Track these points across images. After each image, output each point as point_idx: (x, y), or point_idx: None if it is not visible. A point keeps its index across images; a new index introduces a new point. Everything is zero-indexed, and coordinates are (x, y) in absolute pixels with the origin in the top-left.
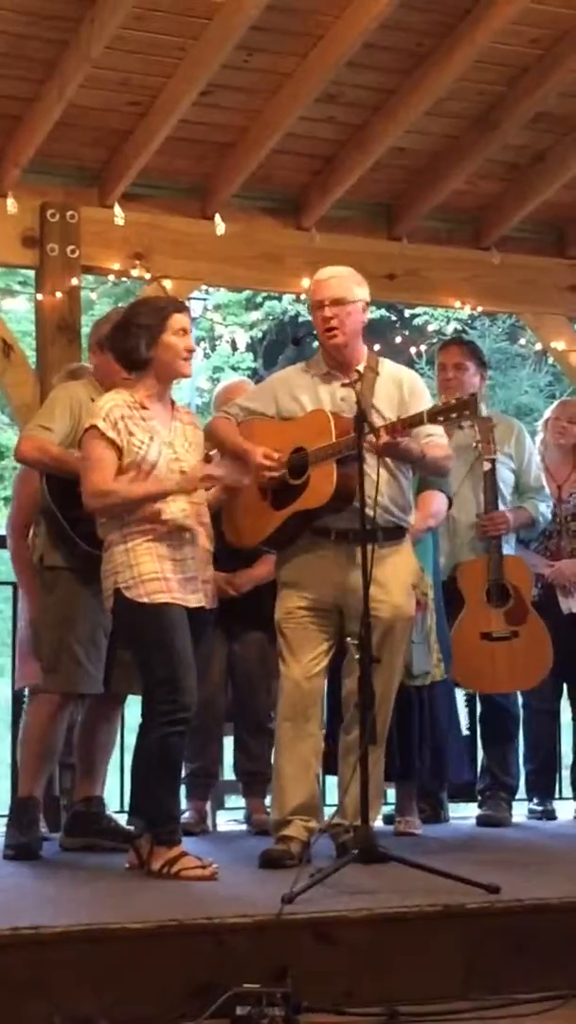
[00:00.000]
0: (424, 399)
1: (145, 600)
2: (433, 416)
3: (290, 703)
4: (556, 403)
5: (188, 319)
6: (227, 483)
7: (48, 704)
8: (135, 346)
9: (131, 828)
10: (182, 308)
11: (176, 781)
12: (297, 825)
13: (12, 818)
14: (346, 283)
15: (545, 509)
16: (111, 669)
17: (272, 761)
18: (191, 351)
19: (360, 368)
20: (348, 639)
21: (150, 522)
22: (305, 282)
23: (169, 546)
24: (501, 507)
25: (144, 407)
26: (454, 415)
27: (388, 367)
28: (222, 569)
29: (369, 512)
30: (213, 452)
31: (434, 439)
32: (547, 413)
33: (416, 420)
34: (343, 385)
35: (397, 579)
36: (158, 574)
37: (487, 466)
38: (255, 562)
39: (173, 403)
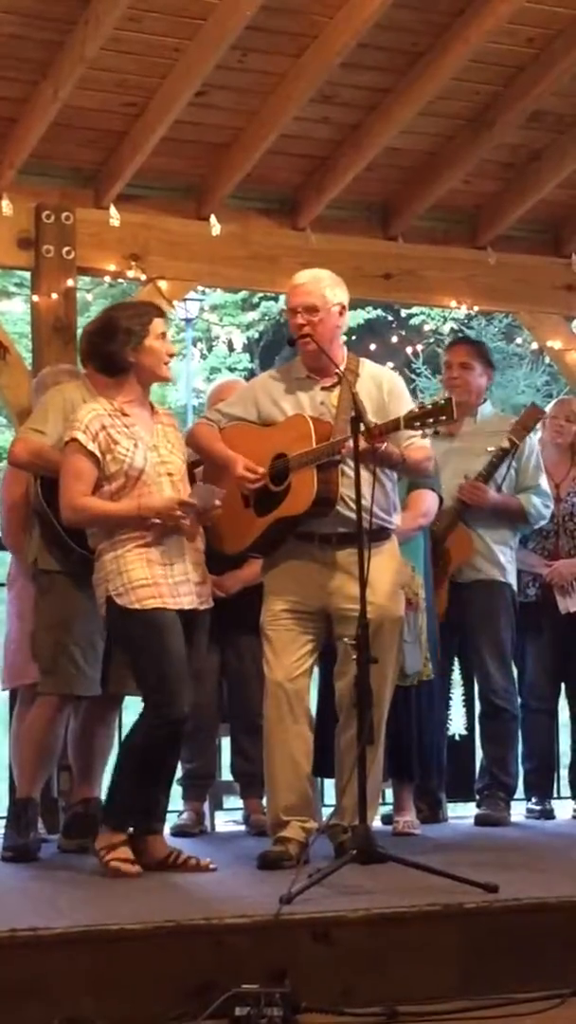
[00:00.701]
0: (403, 400)
1: (136, 606)
2: (409, 421)
3: (275, 705)
4: (554, 402)
5: (167, 324)
6: (199, 510)
7: (46, 706)
8: (118, 350)
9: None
10: (162, 313)
11: (151, 780)
12: (294, 826)
13: (10, 820)
14: (319, 288)
15: (541, 506)
16: (108, 670)
17: (264, 763)
18: (172, 355)
19: (340, 370)
20: (345, 640)
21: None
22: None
23: (159, 551)
24: (491, 491)
25: (125, 414)
26: (431, 420)
27: (368, 368)
28: (210, 571)
29: (354, 515)
30: (198, 470)
31: (415, 442)
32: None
33: (392, 426)
34: (323, 389)
35: (383, 580)
36: (148, 580)
37: (505, 444)
38: (243, 564)
39: (152, 406)
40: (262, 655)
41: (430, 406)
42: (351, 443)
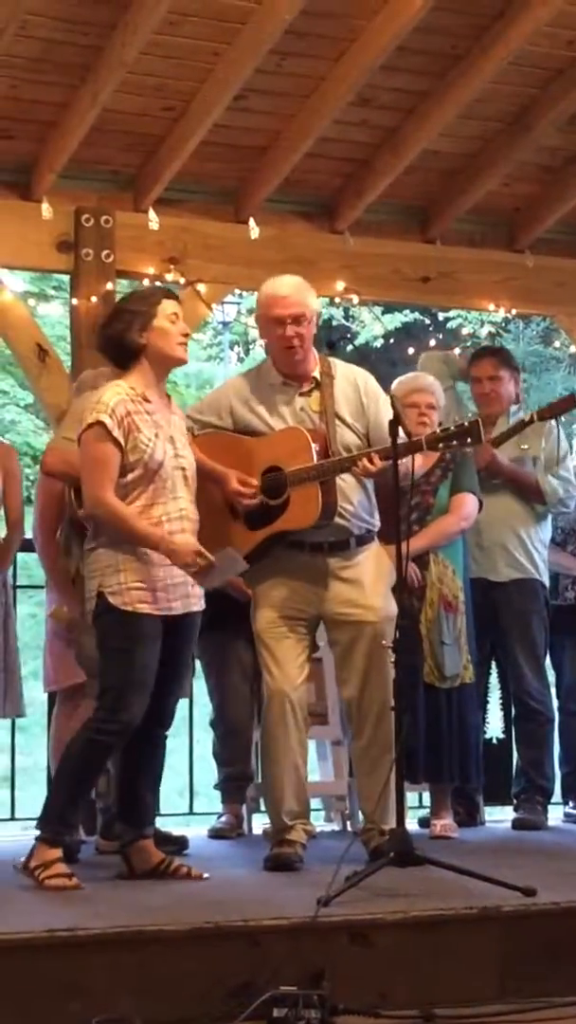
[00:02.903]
0: (380, 399)
1: (128, 609)
2: (432, 443)
3: (280, 714)
4: None
5: (178, 306)
6: (214, 573)
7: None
8: (126, 331)
9: (170, 833)
10: (172, 295)
11: (86, 789)
12: (298, 830)
13: None
14: (304, 297)
15: (559, 487)
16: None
17: (261, 768)
18: (187, 335)
19: (317, 375)
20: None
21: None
22: (340, 285)
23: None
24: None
25: (147, 400)
26: (454, 442)
27: (341, 369)
28: None
29: (345, 522)
30: None
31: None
32: None
33: (415, 447)
34: (301, 395)
35: (378, 582)
36: (143, 584)
37: (527, 417)
38: None
39: (169, 397)
40: (261, 663)
41: (454, 428)
42: (364, 462)
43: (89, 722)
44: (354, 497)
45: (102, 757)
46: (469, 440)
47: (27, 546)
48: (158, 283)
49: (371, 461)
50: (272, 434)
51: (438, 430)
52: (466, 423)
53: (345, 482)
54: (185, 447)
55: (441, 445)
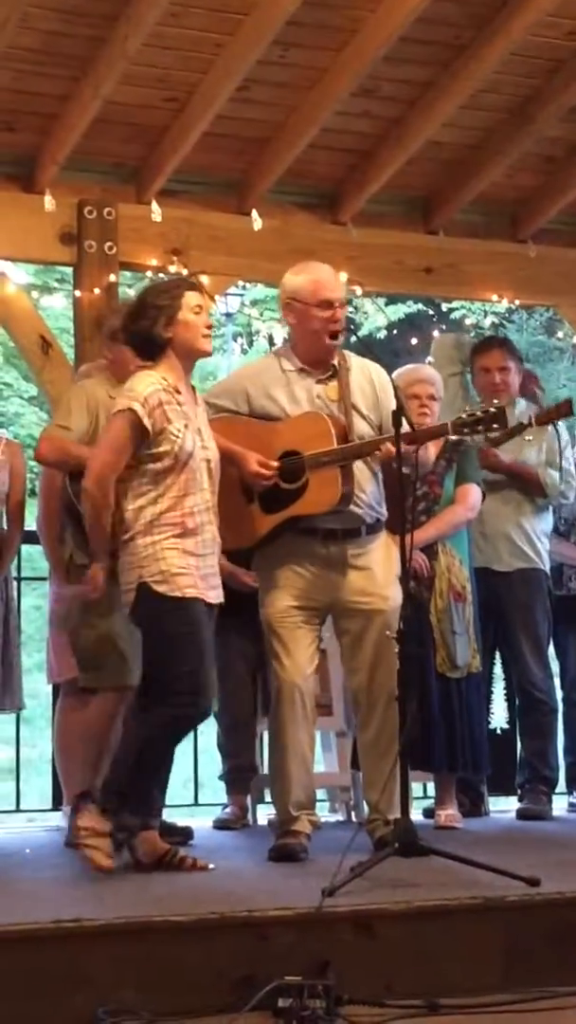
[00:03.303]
0: (390, 393)
1: (177, 594)
2: (458, 428)
3: (290, 704)
4: None
5: (202, 297)
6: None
7: (106, 702)
8: (151, 326)
9: (175, 823)
10: (195, 286)
11: (165, 774)
12: (304, 820)
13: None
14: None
15: (560, 480)
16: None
17: (269, 758)
18: (210, 327)
19: (335, 364)
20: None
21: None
22: (343, 276)
23: (194, 541)
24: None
25: (178, 391)
26: (480, 427)
27: (355, 361)
28: (235, 562)
29: (359, 510)
30: None
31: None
32: None
33: (440, 431)
34: (318, 382)
35: (388, 570)
36: (186, 569)
37: (524, 420)
38: None
39: (194, 388)
40: (270, 652)
41: (480, 413)
42: (387, 446)
43: (166, 710)
44: (367, 486)
45: (180, 735)
46: (495, 426)
47: (31, 538)
48: (161, 275)
49: (393, 444)
50: (291, 418)
51: (464, 415)
52: (492, 409)
53: (359, 471)
54: (210, 439)
55: (467, 430)
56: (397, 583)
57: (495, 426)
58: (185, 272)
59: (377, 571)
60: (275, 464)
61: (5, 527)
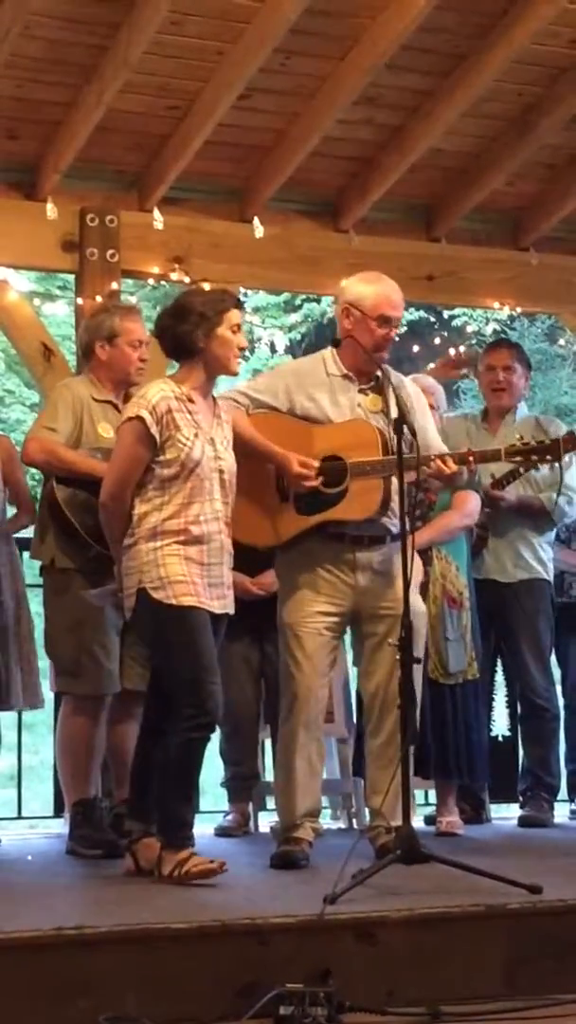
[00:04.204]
0: (422, 412)
1: (173, 602)
2: (511, 455)
3: (304, 708)
4: None
5: (242, 317)
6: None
7: (83, 710)
8: (190, 332)
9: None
10: (240, 305)
11: (192, 787)
12: (307, 827)
13: (81, 819)
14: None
15: (564, 503)
16: (123, 666)
17: (277, 764)
18: (243, 349)
19: (379, 375)
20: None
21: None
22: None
23: (198, 550)
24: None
25: (191, 400)
26: (534, 457)
27: (393, 376)
28: (238, 569)
29: (386, 519)
30: None
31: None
32: None
33: (492, 456)
34: (359, 392)
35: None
36: (185, 577)
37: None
38: (272, 561)
39: (215, 400)
40: (287, 655)
41: (535, 443)
42: (439, 463)
43: (178, 725)
44: (396, 496)
45: (201, 752)
46: (549, 457)
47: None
48: (163, 282)
49: (444, 463)
50: (336, 423)
51: (518, 443)
52: (547, 441)
53: (391, 482)
54: (227, 451)
55: (520, 458)
56: (419, 593)
57: (548, 457)
58: (187, 280)
59: (400, 578)
60: (316, 465)
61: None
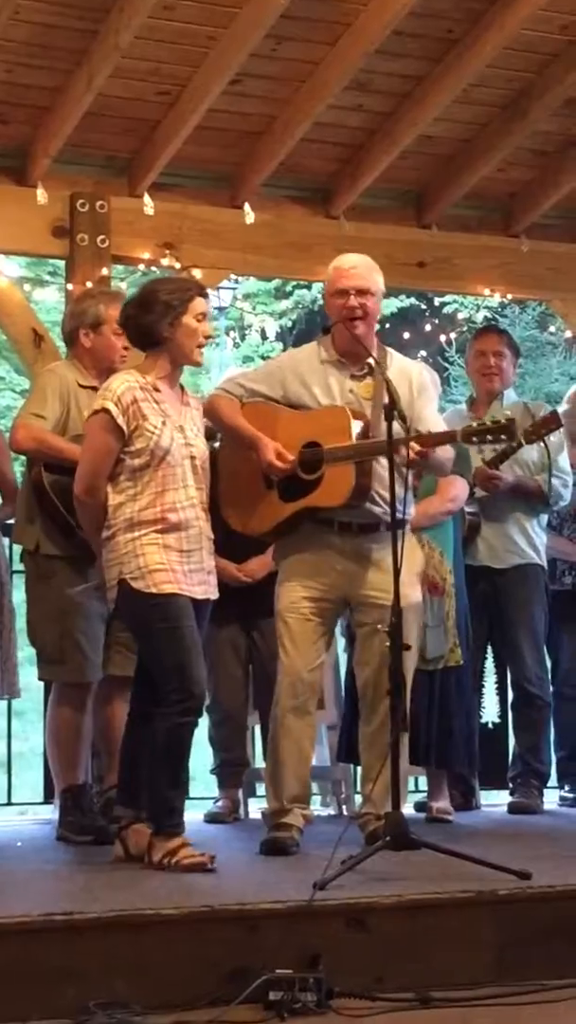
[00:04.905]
0: (428, 396)
1: (153, 591)
2: (467, 436)
3: (291, 695)
4: (572, 389)
5: (208, 306)
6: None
7: (68, 697)
8: (155, 322)
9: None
10: (205, 293)
11: (182, 773)
12: (296, 814)
13: (71, 805)
14: (369, 273)
15: (560, 485)
16: (110, 652)
17: (268, 751)
18: (208, 338)
19: (375, 360)
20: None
21: None
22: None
23: (176, 537)
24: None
25: (157, 389)
26: (489, 437)
27: (396, 361)
28: (225, 557)
29: (377, 507)
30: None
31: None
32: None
33: (447, 438)
34: (352, 377)
35: (406, 568)
36: (164, 565)
37: (515, 443)
38: (262, 548)
39: (183, 388)
40: (278, 641)
41: (491, 424)
42: (402, 449)
43: (164, 711)
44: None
45: (189, 737)
46: (503, 437)
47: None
48: (154, 268)
49: (396, 451)
50: (315, 410)
51: (474, 424)
52: (503, 420)
53: (383, 469)
54: (197, 436)
55: (475, 439)
56: (415, 581)
57: (503, 437)
58: (178, 266)
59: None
60: (291, 457)
61: None
